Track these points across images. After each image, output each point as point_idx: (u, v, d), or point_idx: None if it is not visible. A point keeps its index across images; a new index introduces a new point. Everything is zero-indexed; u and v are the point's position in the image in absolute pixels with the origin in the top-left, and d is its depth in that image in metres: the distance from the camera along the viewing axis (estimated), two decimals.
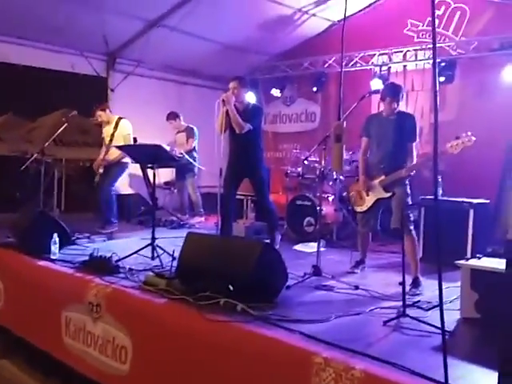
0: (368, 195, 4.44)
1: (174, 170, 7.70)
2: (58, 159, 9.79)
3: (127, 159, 6.09)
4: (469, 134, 3.83)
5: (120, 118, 6.40)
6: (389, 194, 4.27)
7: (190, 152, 7.19)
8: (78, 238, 5.39)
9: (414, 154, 4.25)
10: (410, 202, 4.28)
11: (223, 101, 5.05)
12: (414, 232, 4.17)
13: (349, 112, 4.46)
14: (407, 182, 4.29)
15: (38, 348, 4.07)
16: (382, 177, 4.31)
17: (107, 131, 6.43)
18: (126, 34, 7.51)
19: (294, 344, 2.60)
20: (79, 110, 6.52)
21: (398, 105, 4.31)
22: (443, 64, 6.85)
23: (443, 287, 2.27)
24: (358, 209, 4.55)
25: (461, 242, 4.85)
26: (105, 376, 3.41)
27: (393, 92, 4.31)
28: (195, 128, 7.39)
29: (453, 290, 3.56)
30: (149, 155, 5.00)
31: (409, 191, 4.27)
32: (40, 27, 6.71)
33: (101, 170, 6.40)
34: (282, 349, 2.60)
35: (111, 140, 6.30)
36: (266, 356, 2.60)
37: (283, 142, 9.38)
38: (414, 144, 4.26)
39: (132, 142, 6.34)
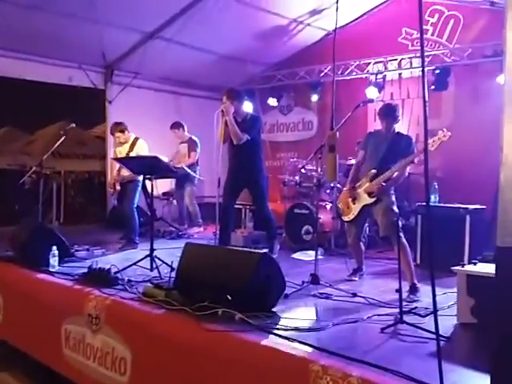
0: (354, 203, 4.50)
1: (173, 180, 7.73)
2: (56, 171, 9.82)
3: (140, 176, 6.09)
4: (444, 130, 3.98)
5: (137, 139, 6.39)
6: (373, 200, 4.32)
7: (191, 165, 7.22)
8: (76, 251, 5.42)
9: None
10: (397, 210, 4.30)
11: (222, 111, 5.09)
12: (403, 239, 4.12)
13: (343, 122, 4.51)
14: (392, 191, 4.36)
15: (38, 361, 4.08)
16: (367, 184, 4.38)
17: (122, 150, 6.40)
18: (124, 46, 7.56)
19: (291, 352, 2.61)
20: (77, 123, 6.56)
21: (391, 125, 4.41)
22: (438, 71, 6.89)
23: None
24: (346, 218, 4.59)
25: (458, 248, 4.87)
26: None
27: (383, 114, 4.46)
28: (198, 140, 7.40)
29: (450, 295, 3.58)
30: (146, 166, 5.06)
31: (394, 199, 4.34)
32: (37, 40, 6.74)
33: (118, 187, 6.45)
34: (279, 357, 2.61)
35: None
36: (264, 365, 2.61)
37: (281, 151, 9.42)
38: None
39: None
